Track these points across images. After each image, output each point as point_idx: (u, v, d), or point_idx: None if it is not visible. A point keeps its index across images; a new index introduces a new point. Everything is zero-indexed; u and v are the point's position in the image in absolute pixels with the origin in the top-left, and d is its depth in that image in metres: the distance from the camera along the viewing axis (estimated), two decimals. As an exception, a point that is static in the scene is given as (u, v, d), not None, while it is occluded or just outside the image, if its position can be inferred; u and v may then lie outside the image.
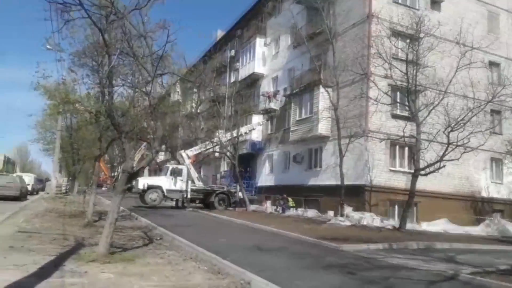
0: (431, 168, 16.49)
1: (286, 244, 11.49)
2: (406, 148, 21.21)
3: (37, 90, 12.82)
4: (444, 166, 16.68)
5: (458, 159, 16.77)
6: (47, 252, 7.59)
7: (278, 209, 24.61)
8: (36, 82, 12.11)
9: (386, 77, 19.53)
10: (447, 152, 16.13)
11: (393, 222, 18.67)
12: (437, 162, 16.34)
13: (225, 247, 10.11)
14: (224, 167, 35.91)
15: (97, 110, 14.12)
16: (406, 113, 20.89)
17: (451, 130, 15.97)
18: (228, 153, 25.48)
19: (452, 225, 19.54)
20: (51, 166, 35.17)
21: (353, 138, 19.34)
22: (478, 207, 22.68)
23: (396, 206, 20.81)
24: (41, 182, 45.67)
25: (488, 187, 23.01)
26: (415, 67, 16.97)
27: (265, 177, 29.42)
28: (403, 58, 18.32)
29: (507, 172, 23.77)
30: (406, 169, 21.07)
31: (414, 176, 16.91)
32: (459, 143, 16.05)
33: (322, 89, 22.38)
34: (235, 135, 25.33)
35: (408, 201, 17.27)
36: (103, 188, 56.97)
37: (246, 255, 9.05)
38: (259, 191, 28.15)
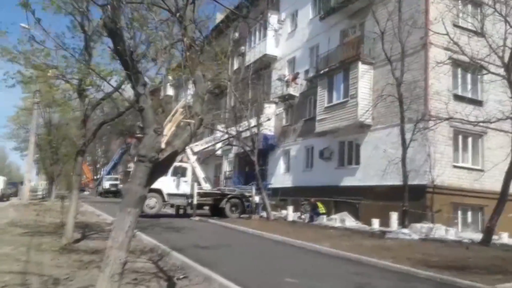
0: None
1: (395, 283, 7.09)
2: (470, 139, 17.05)
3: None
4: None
5: None
6: None
7: (303, 217, 20.16)
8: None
9: (447, 49, 15.45)
10: None
11: (472, 234, 14.47)
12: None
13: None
14: (227, 166, 31.29)
15: (80, 79, 9.58)
16: (471, 95, 16.86)
17: None
18: (247, 148, 20.74)
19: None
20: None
21: (420, 124, 14.95)
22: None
23: (459, 212, 16.61)
24: (15, 185, 40.24)
25: None
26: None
27: (280, 177, 24.90)
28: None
29: None
30: (470, 165, 16.92)
31: (510, 173, 12.63)
32: None
33: (363, 66, 18.02)
34: (253, 124, 20.65)
35: (498, 207, 12.99)
36: (85, 193, 51.64)
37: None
38: (273, 193, 23.55)
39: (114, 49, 3.92)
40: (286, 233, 13.46)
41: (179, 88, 39.32)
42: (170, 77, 13.76)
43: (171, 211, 21.80)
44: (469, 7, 16.78)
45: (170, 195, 19.39)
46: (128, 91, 9.03)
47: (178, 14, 4.29)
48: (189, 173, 20.36)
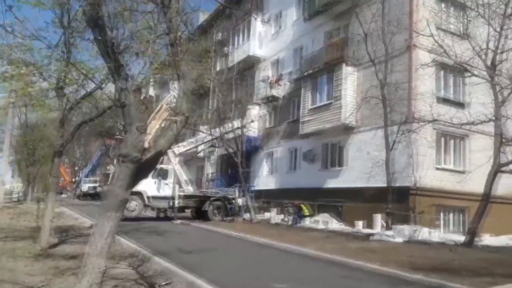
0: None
1: (382, 286, 6.95)
2: (453, 141, 17.19)
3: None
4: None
5: None
6: None
7: (286, 219, 20.00)
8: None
9: (431, 51, 15.60)
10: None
11: (454, 235, 14.55)
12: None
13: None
14: (209, 168, 30.91)
15: (59, 77, 9.19)
16: (454, 97, 17.03)
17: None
18: (231, 150, 20.43)
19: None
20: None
21: (404, 127, 14.96)
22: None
23: (442, 214, 16.70)
24: (-10, 188, 38.82)
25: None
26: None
27: (264, 179, 24.68)
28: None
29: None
30: (453, 167, 17.04)
31: (493, 175, 12.74)
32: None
33: (347, 68, 17.98)
34: (236, 126, 20.38)
35: (481, 208, 13.08)
36: (63, 195, 50.40)
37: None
38: (257, 196, 23.29)
39: (95, 40, 3.62)
40: (271, 236, 13.24)
41: (161, 89, 38.75)
42: (152, 78, 13.35)
43: (151, 214, 21.32)
44: (452, 10, 16.95)
45: (151, 197, 18.93)
46: (110, 90, 8.70)
47: (162, 5, 4.02)
48: (171, 175, 19.94)
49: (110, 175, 48.20)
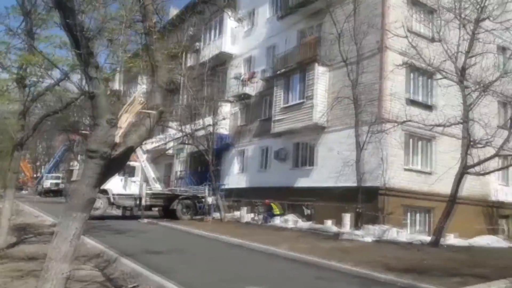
0: (484, 166, 12.71)
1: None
2: (420, 143, 17.53)
3: None
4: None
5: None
6: None
7: (257, 218, 19.86)
8: None
9: (402, 53, 15.92)
10: (508, 143, 12.43)
11: (421, 235, 14.86)
12: (493, 156, 12.58)
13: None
14: (178, 166, 30.32)
15: (20, 66, 8.67)
16: (423, 99, 17.40)
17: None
18: (202, 147, 20.04)
19: (479, 238, 16.20)
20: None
21: (374, 127, 15.11)
22: (489, 213, 19.64)
23: (409, 214, 17.02)
24: None
25: (497, 190, 20.08)
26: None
27: (234, 177, 24.41)
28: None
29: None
30: (420, 168, 17.39)
31: (460, 176, 13.05)
32: None
33: (319, 68, 18.01)
34: (208, 123, 20.02)
35: (447, 209, 13.37)
36: (23, 192, 48.27)
37: None
38: (227, 194, 23.01)
39: (63, 25, 3.29)
40: (242, 235, 13.04)
41: (128, 83, 37.63)
42: (124, 68, 12.76)
43: (116, 212, 20.64)
44: (422, 14, 17.28)
45: (117, 195, 18.29)
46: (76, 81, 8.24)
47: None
48: (138, 172, 19.36)
49: (74, 172, 46.63)
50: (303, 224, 17.75)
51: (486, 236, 16.25)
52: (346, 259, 9.09)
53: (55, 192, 41.59)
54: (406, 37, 13.12)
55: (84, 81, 4.69)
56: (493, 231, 18.65)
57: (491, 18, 12.52)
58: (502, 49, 19.33)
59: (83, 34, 3.19)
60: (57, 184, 43.87)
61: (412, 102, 16.83)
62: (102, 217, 17.38)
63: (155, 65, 4.25)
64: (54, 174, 47.62)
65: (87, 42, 3.21)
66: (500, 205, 19.51)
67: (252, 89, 23.39)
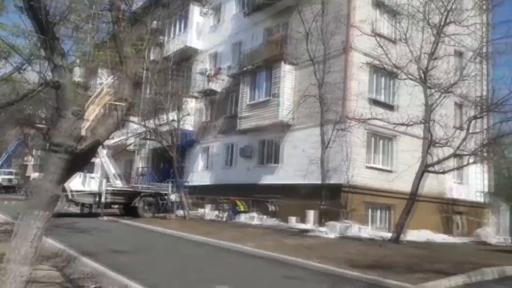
0: (445, 165, 13.20)
1: (329, 286, 6.93)
2: (382, 141, 17.99)
3: None
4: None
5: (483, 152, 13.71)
6: None
7: (221, 215, 19.70)
8: None
9: (366, 54, 16.32)
10: (465, 143, 12.96)
11: (381, 232, 15.26)
12: (452, 155, 13.07)
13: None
14: (140, 162, 29.59)
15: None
16: (385, 99, 17.86)
17: (476, 118, 12.82)
18: (165, 143, 19.53)
19: (436, 234, 16.91)
20: None
21: (338, 126, 15.33)
22: (445, 209, 20.50)
23: (370, 210, 17.45)
24: None
25: (452, 188, 21.00)
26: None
27: (199, 174, 24.12)
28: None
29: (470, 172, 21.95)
30: (381, 166, 17.85)
31: (421, 174, 13.48)
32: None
33: (286, 66, 18.06)
34: (172, 118, 19.57)
35: (408, 206, 13.79)
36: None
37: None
38: (191, 191, 22.68)
39: (25, 7, 3.01)
40: (207, 233, 12.85)
41: (87, 77, 36.24)
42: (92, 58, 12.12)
43: (74, 209, 19.82)
44: (386, 16, 17.71)
45: (75, 192, 17.54)
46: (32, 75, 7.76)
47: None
48: (97, 168, 18.66)
49: (29, 167, 44.44)
50: (268, 221, 17.80)
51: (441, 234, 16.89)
52: (312, 256, 9.12)
53: (8, 188, 39.73)
54: (374, 36, 13.36)
55: (45, 71, 4.37)
56: (448, 227, 19.56)
57: (456, 23, 12.99)
58: (459, 54, 20.16)
59: (48, 19, 2.94)
60: (10, 180, 41.93)
61: (376, 102, 17.23)
62: (59, 215, 16.58)
63: (123, 56, 4.02)
64: (6, 170, 45.29)
65: (52, 27, 2.98)
66: (454, 202, 20.39)
67: (218, 85, 23.16)
